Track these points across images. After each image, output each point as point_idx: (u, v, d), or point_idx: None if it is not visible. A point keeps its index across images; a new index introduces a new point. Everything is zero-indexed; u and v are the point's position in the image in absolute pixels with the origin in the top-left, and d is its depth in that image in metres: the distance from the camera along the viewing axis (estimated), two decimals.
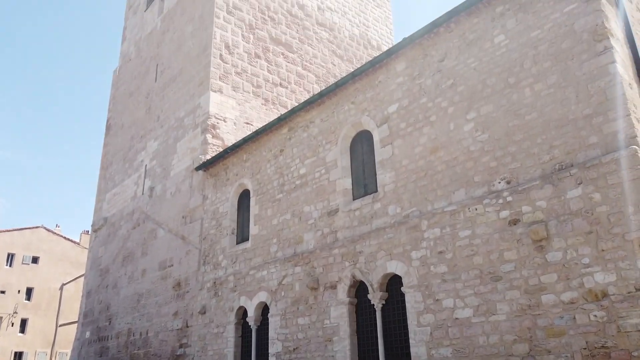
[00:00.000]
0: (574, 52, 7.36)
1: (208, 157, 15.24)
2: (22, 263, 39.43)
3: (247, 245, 12.80)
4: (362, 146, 10.77)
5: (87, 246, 24.23)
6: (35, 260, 40.05)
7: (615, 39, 7.14)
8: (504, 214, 7.62)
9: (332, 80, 19.50)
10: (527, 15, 8.11)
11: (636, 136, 6.51)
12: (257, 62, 17.72)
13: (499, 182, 7.85)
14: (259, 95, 17.33)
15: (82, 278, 25.44)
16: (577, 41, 7.36)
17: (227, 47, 17.02)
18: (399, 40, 10.64)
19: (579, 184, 6.84)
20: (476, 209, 7.97)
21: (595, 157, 6.79)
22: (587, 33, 7.26)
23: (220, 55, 16.76)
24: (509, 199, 7.60)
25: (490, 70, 8.42)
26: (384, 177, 9.74)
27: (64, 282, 39.76)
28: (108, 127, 23.56)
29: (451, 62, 9.10)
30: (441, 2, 70.08)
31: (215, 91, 16.19)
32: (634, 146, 6.43)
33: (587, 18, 7.30)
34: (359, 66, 20.38)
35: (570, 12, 7.53)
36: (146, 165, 18.80)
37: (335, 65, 20.39)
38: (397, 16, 66.73)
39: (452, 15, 9.10)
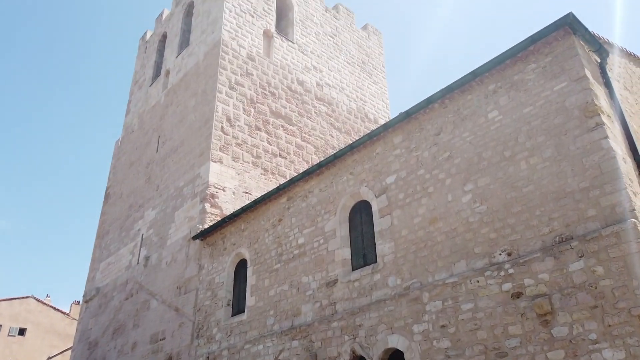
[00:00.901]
0: (567, 127, 7.60)
1: (206, 226, 15.18)
2: (8, 335, 37.92)
3: (243, 317, 12.44)
4: (360, 216, 10.79)
5: (77, 317, 23.49)
6: (22, 332, 38.55)
7: (605, 116, 7.41)
8: (507, 286, 7.51)
9: (330, 152, 19.90)
10: (518, 92, 8.47)
11: (634, 209, 6.58)
12: (257, 133, 18.16)
13: (500, 254, 7.80)
14: (258, 166, 17.59)
15: (70, 351, 24.43)
16: (569, 117, 7.63)
17: (228, 119, 17.52)
18: (395, 113, 11.03)
19: (581, 256, 6.80)
20: (478, 281, 7.86)
21: (595, 229, 6.81)
22: (578, 110, 7.55)
23: (222, 127, 17.20)
24: (511, 271, 7.52)
25: (485, 144, 8.64)
26: (383, 247, 9.68)
27: (50, 356, 38.03)
28: (107, 196, 23.65)
29: (447, 135, 9.35)
30: (435, 78, 73.23)
31: (215, 161, 16.45)
32: (633, 219, 6.48)
33: (577, 96, 7.62)
34: (356, 138, 20.95)
35: (561, 91, 7.86)
36: (143, 234, 18.68)
37: (333, 137, 20.90)
38: (393, 91, 69.40)
39: (446, 92, 9.48)
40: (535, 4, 61.73)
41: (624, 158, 7.27)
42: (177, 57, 22.09)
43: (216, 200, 15.90)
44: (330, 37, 23.86)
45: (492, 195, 8.22)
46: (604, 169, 7.01)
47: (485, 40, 67.19)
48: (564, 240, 7.10)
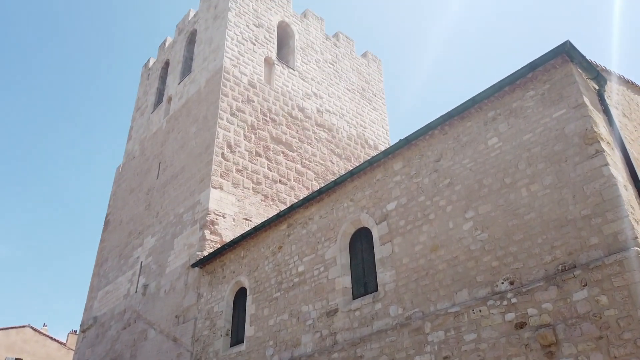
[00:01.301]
0: (567, 154, 7.57)
1: (205, 253, 15.04)
2: None
3: (242, 347, 12.19)
4: (361, 243, 10.68)
5: (74, 347, 23.07)
6: None
7: (605, 143, 7.39)
8: (510, 316, 7.36)
9: (330, 178, 19.88)
10: (518, 119, 8.47)
11: (637, 237, 6.49)
12: (257, 160, 18.18)
13: (502, 283, 7.67)
14: (258, 192, 17.54)
15: None
16: (568, 144, 7.61)
17: (229, 146, 17.56)
18: (395, 139, 11.04)
19: (584, 285, 6.68)
20: (480, 311, 7.71)
21: (598, 258, 6.71)
22: (577, 137, 7.53)
23: (222, 153, 17.23)
24: (514, 300, 7.38)
25: (485, 171, 8.61)
26: (384, 275, 9.55)
27: None
28: (106, 223, 23.54)
29: (447, 162, 9.33)
30: (434, 104, 73.78)
31: (215, 188, 16.42)
32: (637, 248, 6.39)
33: (576, 123, 7.62)
34: (357, 164, 20.96)
35: (560, 118, 7.87)
36: (142, 262, 18.50)
37: (333, 163, 20.92)
38: (392, 117, 69.87)
39: (445, 119, 9.49)
40: (532, 31, 62.71)
41: (625, 185, 7.21)
42: (179, 84, 22.32)
43: (216, 227, 15.80)
44: (331, 64, 24.14)
45: (493, 223, 8.14)
46: (605, 196, 6.95)
47: (483, 66, 67.96)
48: (566, 268, 6.99)
